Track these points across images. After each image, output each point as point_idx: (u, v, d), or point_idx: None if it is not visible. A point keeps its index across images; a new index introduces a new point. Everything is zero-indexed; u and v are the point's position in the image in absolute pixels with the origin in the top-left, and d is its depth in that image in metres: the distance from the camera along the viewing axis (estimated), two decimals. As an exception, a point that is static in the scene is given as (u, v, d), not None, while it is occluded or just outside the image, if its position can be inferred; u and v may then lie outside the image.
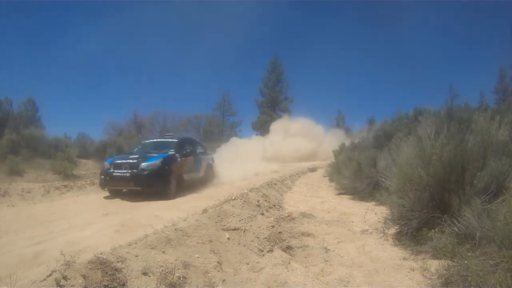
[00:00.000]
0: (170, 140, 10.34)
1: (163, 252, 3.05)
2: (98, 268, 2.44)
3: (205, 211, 4.52)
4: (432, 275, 2.83)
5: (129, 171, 7.95)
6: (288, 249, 3.93)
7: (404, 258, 3.40)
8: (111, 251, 2.74)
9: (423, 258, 3.27)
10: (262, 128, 36.72)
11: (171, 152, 9.06)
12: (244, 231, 4.11)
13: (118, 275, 2.47)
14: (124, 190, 8.47)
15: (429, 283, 2.78)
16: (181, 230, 3.57)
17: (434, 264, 2.99)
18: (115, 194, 8.43)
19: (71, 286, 2.18)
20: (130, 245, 3.06)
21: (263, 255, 3.68)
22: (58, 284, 2.13)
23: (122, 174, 7.96)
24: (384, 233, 4.22)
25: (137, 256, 2.77)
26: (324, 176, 13.28)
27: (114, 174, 8.04)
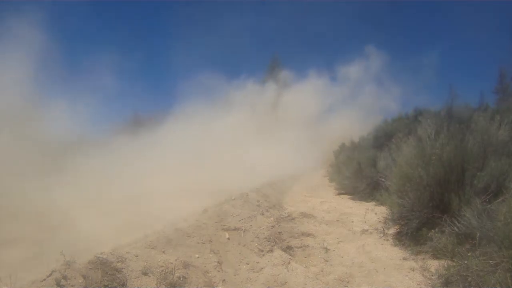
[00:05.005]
0: None
1: (163, 252, 3.05)
2: (98, 268, 2.44)
3: (205, 211, 4.52)
4: (432, 275, 2.84)
5: None
6: (288, 249, 3.93)
7: (404, 258, 3.40)
8: (111, 251, 2.74)
9: (423, 258, 3.27)
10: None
11: None
12: (244, 231, 4.11)
13: (118, 275, 2.48)
14: None
15: (429, 283, 2.79)
16: (181, 230, 3.57)
17: (434, 264, 2.99)
18: None
19: (71, 286, 2.19)
20: (130, 245, 3.06)
21: (263, 255, 3.68)
22: (58, 284, 2.14)
23: None
24: (384, 233, 4.22)
25: (137, 256, 2.78)
26: (324, 176, 13.28)
27: None
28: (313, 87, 22.43)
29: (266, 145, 14.24)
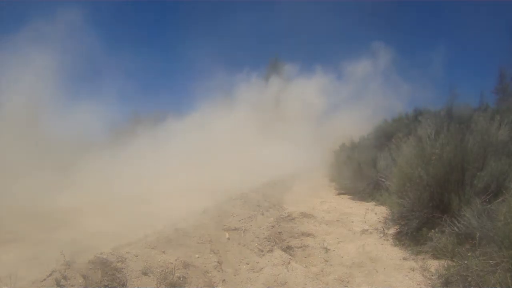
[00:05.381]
0: None
1: (163, 252, 3.05)
2: (98, 268, 2.44)
3: (205, 211, 4.52)
4: (432, 275, 2.84)
5: None
6: (288, 249, 3.93)
7: (404, 258, 3.41)
8: (111, 251, 2.74)
9: (423, 258, 3.27)
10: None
11: None
12: (244, 231, 4.11)
13: (118, 275, 2.48)
14: None
15: (429, 283, 2.79)
16: (181, 230, 3.57)
17: (434, 264, 2.99)
18: None
19: (71, 286, 2.19)
20: (130, 245, 3.07)
21: (263, 255, 3.68)
22: (58, 284, 2.14)
23: None
24: (384, 233, 4.22)
25: (137, 256, 2.78)
26: (325, 176, 13.27)
27: None
28: (316, 84, 22.16)
29: (266, 144, 14.19)
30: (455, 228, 3.10)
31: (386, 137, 9.06)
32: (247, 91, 21.61)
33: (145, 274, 2.60)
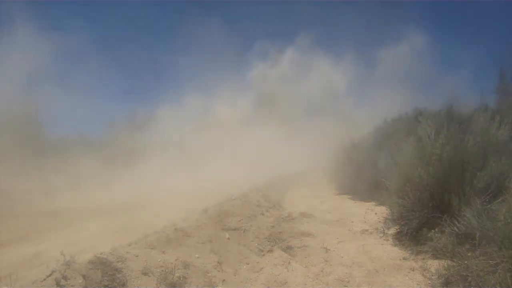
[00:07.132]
0: None
1: (163, 252, 3.05)
2: (98, 268, 2.44)
3: (205, 211, 4.52)
4: (432, 275, 2.83)
5: None
6: (288, 249, 3.93)
7: (404, 258, 3.40)
8: (111, 251, 2.74)
9: (423, 258, 3.27)
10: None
11: None
12: (244, 231, 4.11)
13: (118, 275, 2.48)
14: None
15: (429, 283, 2.79)
16: (181, 230, 3.57)
17: (434, 264, 2.99)
18: None
19: (71, 286, 2.19)
20: (130, 245, 3.07)
21: (263, 255, 3.68)
22: (58, 284, 2.14)
23: None
24: (384, 233, 4.22)
25: (137, 256, 2.77)
26: (325, 176, 13.26)
27: None
28: (335, 69, 21.10)
29: (267, 142, 14.03)
30: (455, 228, 3.09)
31: (386, 137, 9.04)
32: (253, 81, 20.74)
33: (145, 274, 2.60)
